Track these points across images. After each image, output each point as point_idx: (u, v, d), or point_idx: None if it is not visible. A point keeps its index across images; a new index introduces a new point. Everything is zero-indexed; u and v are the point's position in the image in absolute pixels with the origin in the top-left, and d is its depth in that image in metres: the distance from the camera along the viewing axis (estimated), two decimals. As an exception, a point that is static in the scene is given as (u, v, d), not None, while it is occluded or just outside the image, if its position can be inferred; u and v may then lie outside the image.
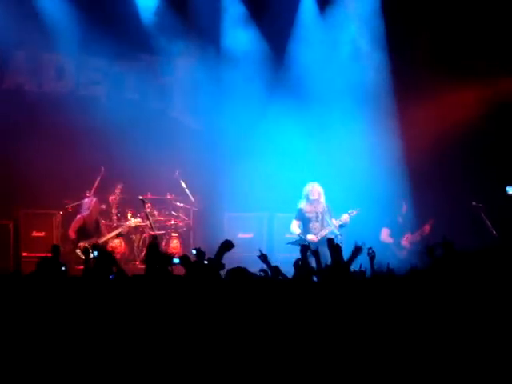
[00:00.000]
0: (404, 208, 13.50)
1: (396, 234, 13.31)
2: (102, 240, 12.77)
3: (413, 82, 14.27)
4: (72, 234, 12.88)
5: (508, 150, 14.14)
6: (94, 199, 13.21)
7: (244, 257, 12.04)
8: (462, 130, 14.07)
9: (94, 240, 12.57)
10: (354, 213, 11.82)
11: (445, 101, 14.24)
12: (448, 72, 13.98)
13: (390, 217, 13.42)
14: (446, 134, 14.06)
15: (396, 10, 14.40)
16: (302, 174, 13.37)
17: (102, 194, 13.95)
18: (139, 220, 13.41)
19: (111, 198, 13.95)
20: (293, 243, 11.71)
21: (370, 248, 7.75)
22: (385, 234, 13.41)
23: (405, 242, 13.23)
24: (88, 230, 12.96)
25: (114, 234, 13.17)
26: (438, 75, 13.95)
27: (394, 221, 13.38)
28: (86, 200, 13.23)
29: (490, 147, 14.21)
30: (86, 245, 12.20)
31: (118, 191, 13.90)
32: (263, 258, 7.88)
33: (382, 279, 5.89)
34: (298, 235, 11.81)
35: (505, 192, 8.40)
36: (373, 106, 14.29)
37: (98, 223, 13.12)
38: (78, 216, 13.11)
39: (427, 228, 13.13)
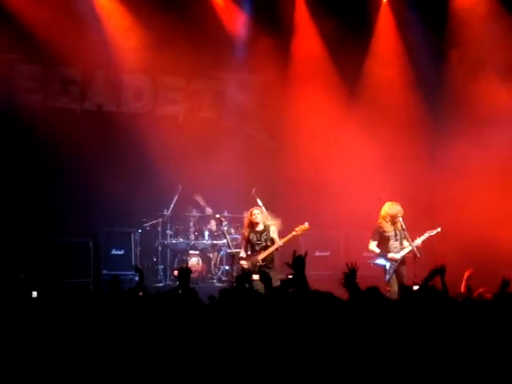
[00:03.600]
0: None
1: None
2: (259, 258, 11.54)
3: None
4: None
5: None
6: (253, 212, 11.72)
7: (321, 275, 11.99)
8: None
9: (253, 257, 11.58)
10: (434, 232, 11.63)
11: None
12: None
13: None
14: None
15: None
16: (377, 190, 13.24)
17: (180, 211, 14.09)
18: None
19: (188, 215, 14.08)
20: (375, 263, 11.64)
21: (442, 265, 7.57)
22: None
23: None
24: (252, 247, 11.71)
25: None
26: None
27: None
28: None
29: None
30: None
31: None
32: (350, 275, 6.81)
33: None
34: (379, 254, 11.66)
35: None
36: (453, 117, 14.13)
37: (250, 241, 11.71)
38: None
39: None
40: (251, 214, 11.70)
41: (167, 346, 5.48)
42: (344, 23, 14.29)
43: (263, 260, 11.51)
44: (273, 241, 11.57)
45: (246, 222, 11.87)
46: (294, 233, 11.65)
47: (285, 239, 11.56)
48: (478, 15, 14.31)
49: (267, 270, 11.01)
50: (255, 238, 11.64)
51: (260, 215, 11.67)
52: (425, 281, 7.26)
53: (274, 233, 11.67)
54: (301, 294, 6.15)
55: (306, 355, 4.98)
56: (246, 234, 11.75)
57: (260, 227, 11.63)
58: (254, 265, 11.51)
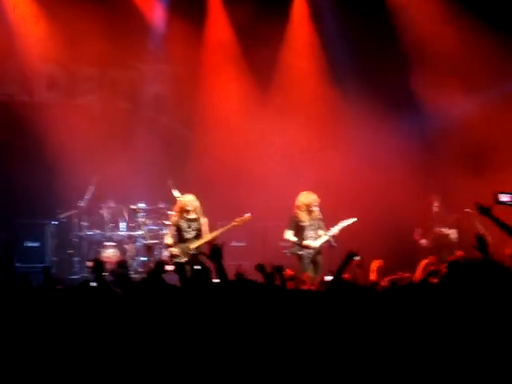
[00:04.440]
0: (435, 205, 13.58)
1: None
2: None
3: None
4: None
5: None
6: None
7: (237, 266, 12.00)
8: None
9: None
10: (351, 222, 11.70)
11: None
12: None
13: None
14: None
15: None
16: (294, 181, 13.31)
17: (95, 203, 13.93)
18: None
19: (104, 207, 13.93)
20: (291, 252, 11.67)
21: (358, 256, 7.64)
22: (417, 234, 13.41)
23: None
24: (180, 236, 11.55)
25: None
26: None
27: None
28: None
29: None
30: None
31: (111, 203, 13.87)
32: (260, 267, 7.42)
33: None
34: (295, 244, 11.70)
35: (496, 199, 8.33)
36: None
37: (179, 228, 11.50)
38: None
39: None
40: (184, 201, 11.47)
41: (81, 339, 5.44)
42: (258, 11, 14.28)
43: (196, 248, 11.25)
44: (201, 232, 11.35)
45: (176, 208, 11.63)
46: (233, 223, 11.54)
47: (224, 228, 11.44)
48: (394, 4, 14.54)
49: (200, 258, 10.80)
50: (186, 225, 11.40)
51: (194, 203, 11.43)
52: (338, 270, 7.32)
53: (204, 225, 11.44)
54: (221, 284, 6.17)
55: (224, 342, 5.01)
56: (176, 219, 11.52)
57: (192, 215, 11.41)
58: (184, 252, 11.31)
